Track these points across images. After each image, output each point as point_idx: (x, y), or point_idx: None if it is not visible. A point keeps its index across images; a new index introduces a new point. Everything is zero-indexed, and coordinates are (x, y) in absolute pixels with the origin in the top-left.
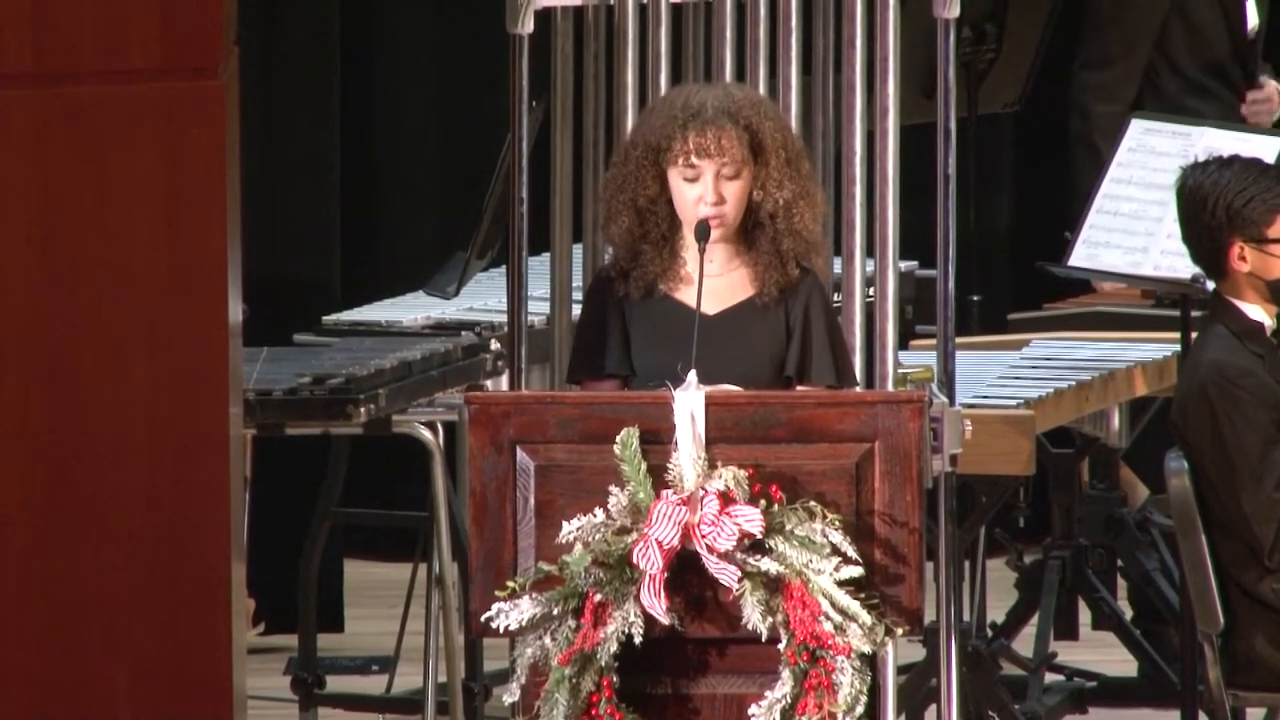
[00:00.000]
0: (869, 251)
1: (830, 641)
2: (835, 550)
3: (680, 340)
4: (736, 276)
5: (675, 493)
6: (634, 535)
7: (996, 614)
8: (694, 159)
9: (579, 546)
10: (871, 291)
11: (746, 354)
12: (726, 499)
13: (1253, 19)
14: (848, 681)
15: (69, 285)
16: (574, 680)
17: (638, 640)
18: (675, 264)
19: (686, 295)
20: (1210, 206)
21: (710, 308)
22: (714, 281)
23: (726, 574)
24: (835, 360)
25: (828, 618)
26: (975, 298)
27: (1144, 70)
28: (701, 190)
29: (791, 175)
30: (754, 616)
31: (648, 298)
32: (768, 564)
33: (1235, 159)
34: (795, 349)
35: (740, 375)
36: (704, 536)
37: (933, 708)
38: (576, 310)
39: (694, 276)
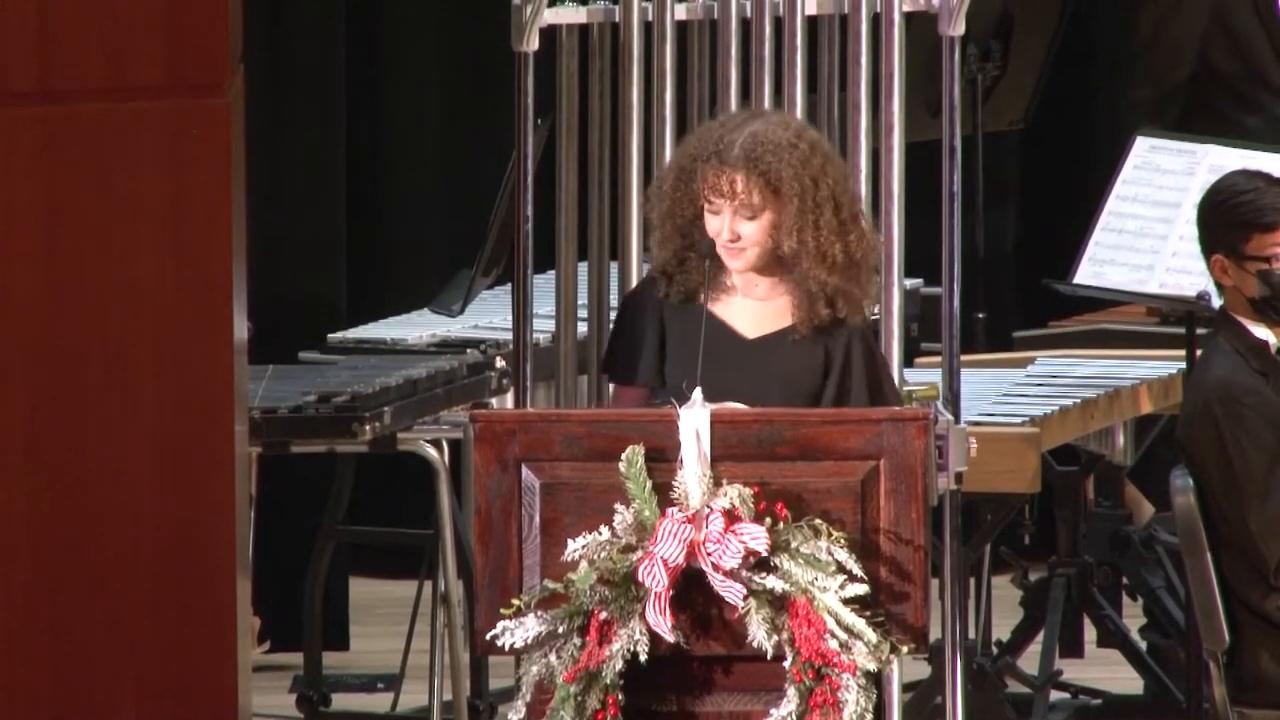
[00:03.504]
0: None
1: (835, 659)
2: (840, 568)
3: (711, 357)
4: (780, 304)
5: (680, 510)
6: (639, 553)
7: (1002, 632)
8: (712, 196)
9: (584, 564)
10: (877, 309)
11: (783, 382)
12: (732, 517)
13: None
14: (853, 699)
15: (75, 302)
16: (579, 698)
17: (643, 658)
18: (720, 274)
19: (725, 312)
20: (1199, 219)
21: (751, 331)
22: (757, 305)
23: (732, 592)
24: (873, 401)
25: (833, 635)
26: (980, 315)
27: (1188, 84)
28: (720, 224)
29: (811, 222)
30: (759, 634)
31: (688, 304)
32: (773, 582)
33: (1239, 172)
34: (832, 388)
35: (776, 401)
36: (709, 554)
37: None
38: (582, 329)
39: (738, 288)
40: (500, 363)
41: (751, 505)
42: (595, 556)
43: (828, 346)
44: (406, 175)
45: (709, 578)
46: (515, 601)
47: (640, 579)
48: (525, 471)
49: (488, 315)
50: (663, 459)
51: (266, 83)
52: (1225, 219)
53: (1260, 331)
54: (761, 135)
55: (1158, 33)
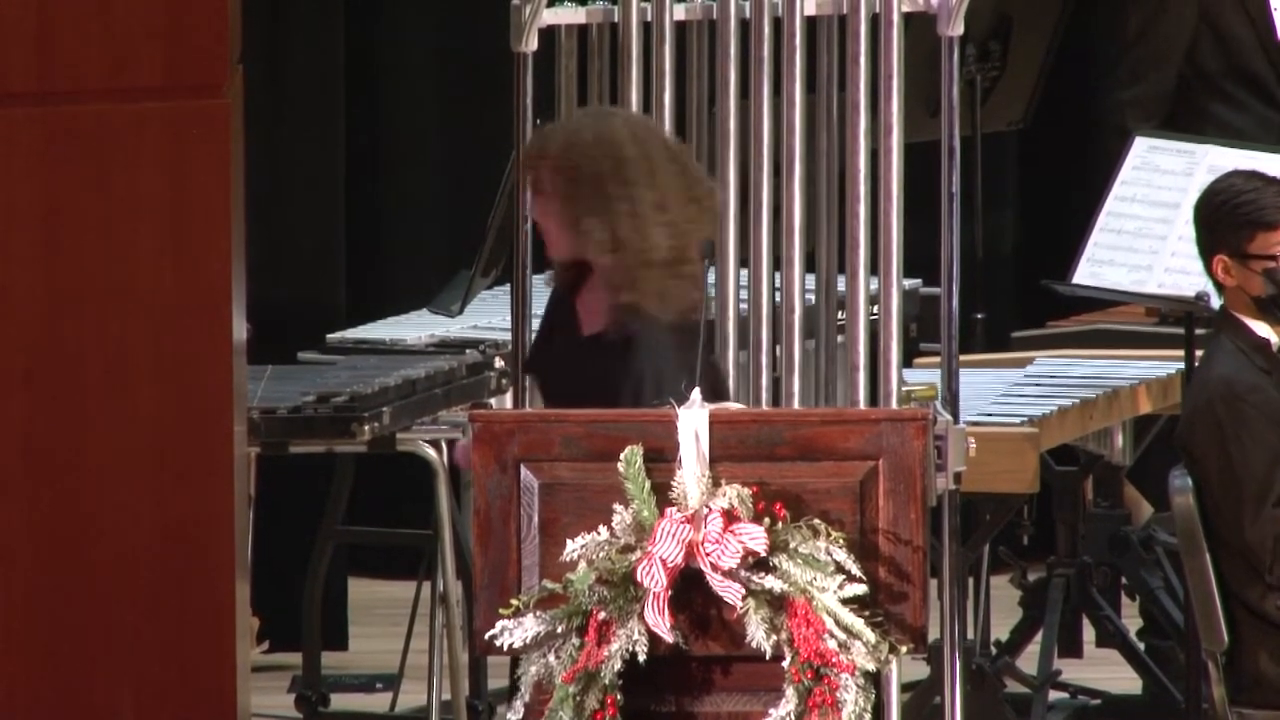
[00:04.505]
0: (873, 269)
1: (834, 659)
2: (839, 568)
3: (556, 352)
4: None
5: (679, 511)
6: (638, 553)
7: (1000, 632)
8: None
9: (583, 564)
10: (876, 309)
11: (589, 382)
12: (730, 517)
13: None
14: (852, 699)
15: (74, 304)
16: (578, 698)
17: (642, 658)
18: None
19: (584, 305)
20: (1199, 220)
21: (589, 327)
22: (602, 300)
23: (731, 592)
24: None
25: (832, 635)
26: (979, 315)
27: (1176, 84)
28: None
29: (567, 219)
30: (758, 634)
31: (564, 300)
32: (772, 582)
33: (1238, 173)
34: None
35: (591, 402)
36: (708, 554)
37: None
38: None
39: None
40: (499, 363)
41: (750, 505)
42: (594, 557)
43: (616, 341)
44: (406, 176)
45: (708, 578)
46: (514, 602)
47: (639, 579)
48: (524, 472)
49: (487, 315)
50: (661, 459)
51: (266, 83)
52: (1228, 219)
53: (1262, 330)
54: (544, 137)
55: (1145, 32)
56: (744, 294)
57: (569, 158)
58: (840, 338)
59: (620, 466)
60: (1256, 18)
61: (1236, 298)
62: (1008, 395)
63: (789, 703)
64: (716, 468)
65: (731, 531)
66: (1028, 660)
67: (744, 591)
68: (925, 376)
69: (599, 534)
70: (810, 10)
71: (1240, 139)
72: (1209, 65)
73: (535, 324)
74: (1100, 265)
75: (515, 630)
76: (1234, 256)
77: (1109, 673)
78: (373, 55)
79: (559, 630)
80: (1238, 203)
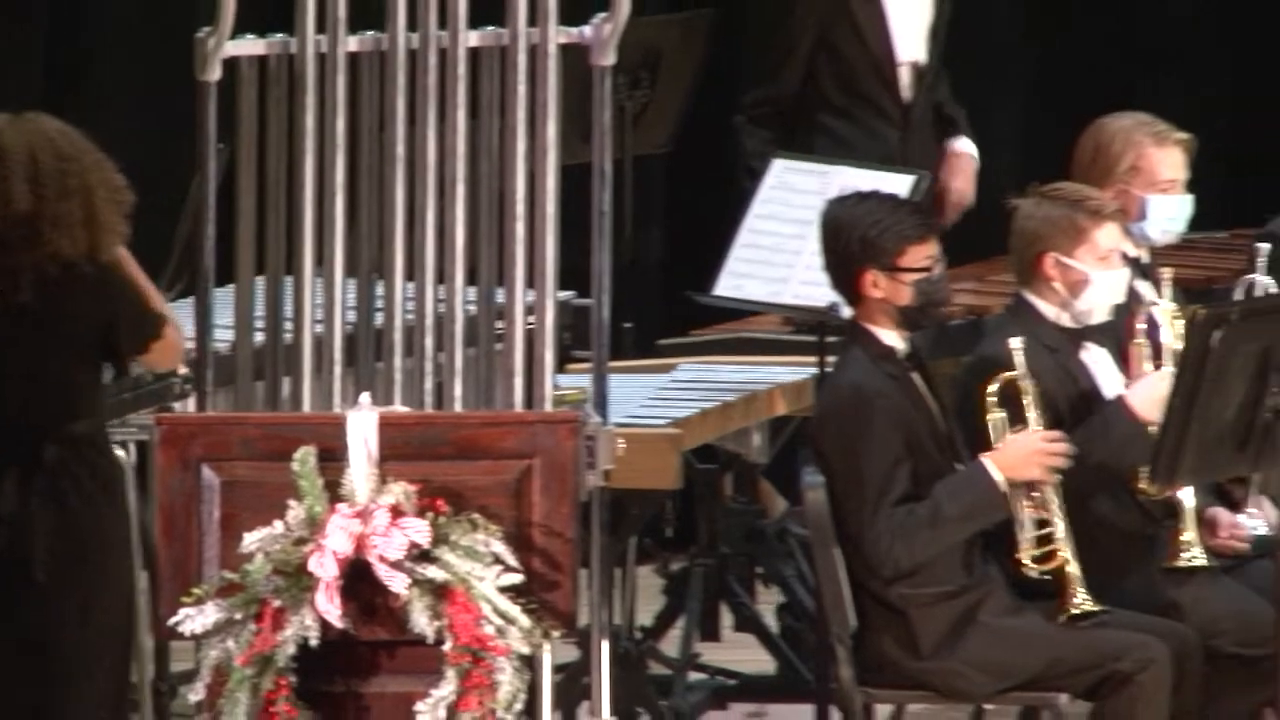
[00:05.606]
0: (529, 282)
1: (491, 643)
2: (497, 559)
3: None
4: None
5: (349, 506)
6: (310, 545)
7: (645, 618)
8: None
9: (259, 556)
10: (532, 319)
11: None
12: (396, 512)
13: (915, 54)
14: (507, 680)
15: None
16: (254, 680)
17: (313, 643)
18: None
19: None
20: (846, 237)
21: None
22: None
23: (396, 581)
24: None
25: (489, 621)
26: (628, 325)
27: (794, 95)
28: None
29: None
30: (421, 620)
31: None
32: (434, 572)
33: (873, 194)
34: None
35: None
36: (375, 547)
37: (586, 704)
38: (259, 338)
39: None
40: (183, 370)
41: (414, 501)
42: (270, 549)
43: None
44: None
45: (374, 568)
46: (195, 591)
47: (311, 570)
48: (205, 471)
49: None
50: (333, 459)
51: None
52: (877, 237)
53: (889, 339)
54: None
55: (766, 44)
56: (410, 305)
57: None
58: (499, 345)
59: (294, 466)
60: (870, 40)
61: (870, 309)
62: (654, 399)
63: (449, 683)
64: (383, 466)
65: (397, 525)
66: (670, 643)
67: (408, 581)
68: (577, 381)
69: (274, 528)
70: (473, 42)
71: (851, 151)
72: (824, 81)
73: (218, 334)
74: (740, 278)
75: (196, 617)
76: (884, 270)
77: (745, 655)
78: (73, 81)
79: (237, 617)
80: (888, 222)
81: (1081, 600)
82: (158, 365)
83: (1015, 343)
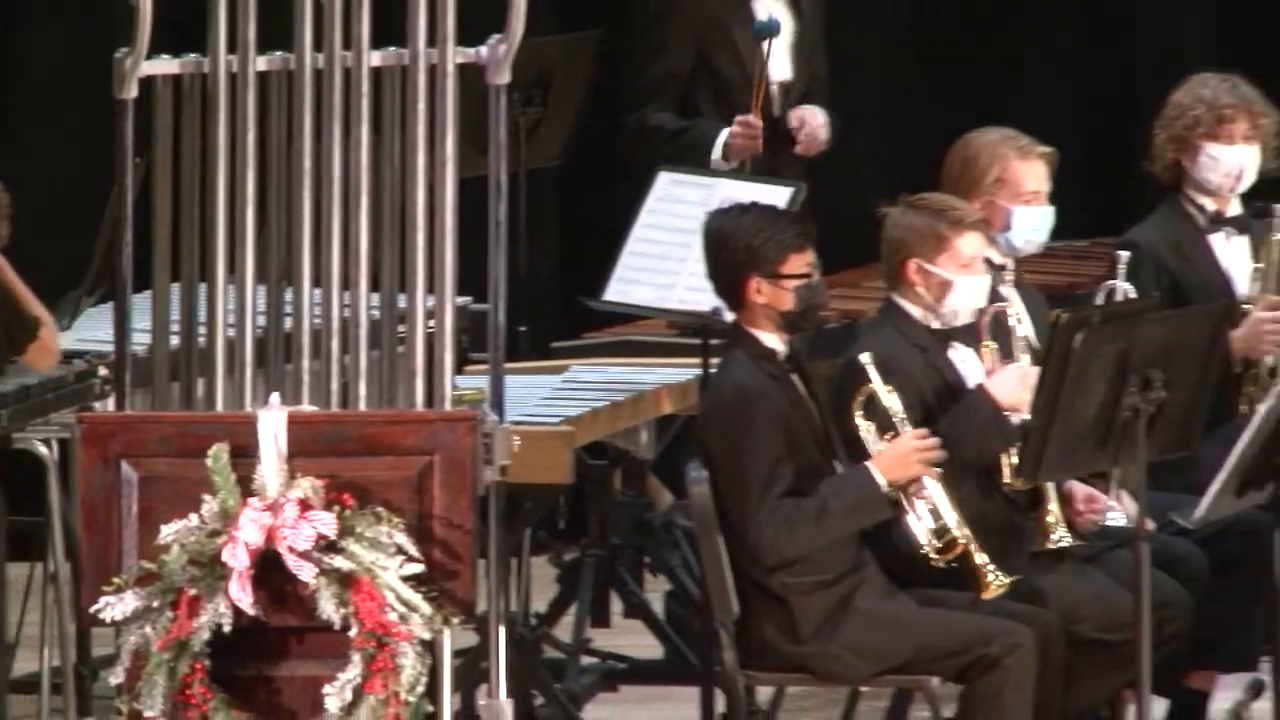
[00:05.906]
0: (430, 288)
1: (395, 629)
2: (399, 550)
3: None
4: None
5: (260, 500)
6: (224, 537)
7: (540, 605)
8: None
9: (176, 547)
10: (432, 323)
11: None
12: (305, 505)
13: (782, 73)
14: (410, 664)
15: None
16: (171, 664)
17: (227, 629)
18: None
19: None
20: (731, 246)
21: None
22: None
23: (304, 571)
24: None
25: (393, 609)
26: (523, 328)
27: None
28: None
29: None
30: (328, 608)
31: None
32: (340, 562)
33: (754, 205)
34: None
35: None
36: (284, 538)
37: (484, 687)
38: (174, 341)
39: None
40: (103, 371)
41: (322, 495)
42: (185, 540)
43: None
44: (23, 203)
45: (284, 558)
46: (115, 580)
47: (224, 560)
48: (125, 466)
49: (93, 330)
50: (245, 455)
51: None
52: (760, 246)
53: (770, 341)
54: None
55: (647, 66)
56: (317, 310)
57: None
58: (401, 348)
59: (209, 462)
60: (747, 61)
61: (752, 314)
62: (547, 398)
63: (355, 667)
64: (292, 462)
65: (305, 518)
66: (563, 630)
67: (316, 570)
68: (475, 382)
69: (190, 521)
70: (375, 62)
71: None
72: (702, 100)
73: (136, 337)
74: (629, 284)
75: (117, 605)
76: (767, 278)
77: (634, 640)
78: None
79: (155, 605)
80: (771, 233)
81: (994, 578)
82: (34, 366)
83: (865, 358)
